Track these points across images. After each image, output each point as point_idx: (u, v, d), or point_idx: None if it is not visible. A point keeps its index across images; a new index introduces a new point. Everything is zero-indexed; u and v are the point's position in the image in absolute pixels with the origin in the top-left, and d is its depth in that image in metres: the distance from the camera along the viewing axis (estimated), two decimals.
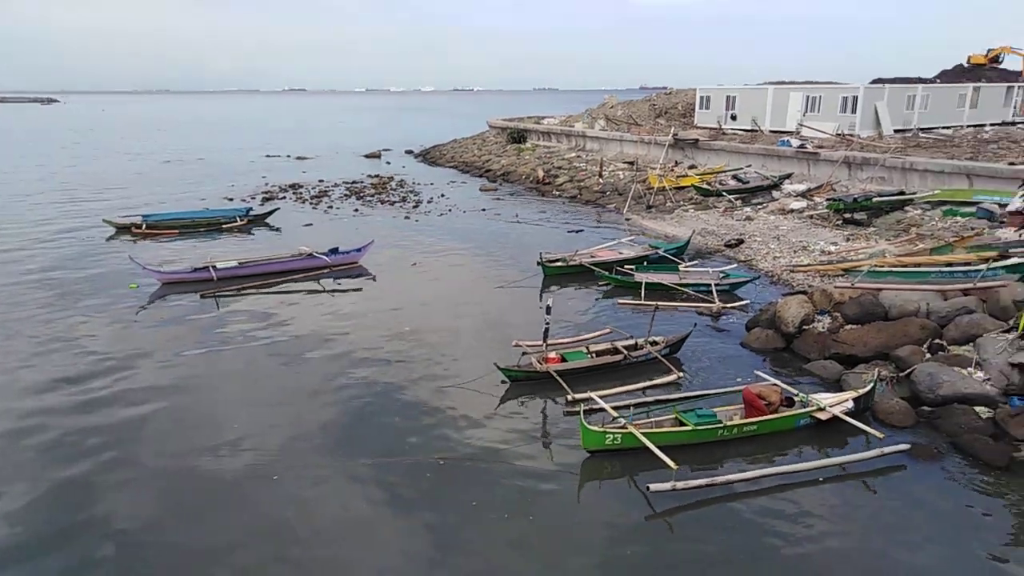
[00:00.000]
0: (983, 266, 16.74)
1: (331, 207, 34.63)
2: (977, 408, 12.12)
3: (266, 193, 38.51)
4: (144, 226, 28.35)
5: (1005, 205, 22.07)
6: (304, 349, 16.17)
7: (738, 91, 46.32)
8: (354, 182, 42.33)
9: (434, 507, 10.23)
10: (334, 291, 21.19)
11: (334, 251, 23.42)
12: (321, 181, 42.62)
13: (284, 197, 37.38)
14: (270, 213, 31.83)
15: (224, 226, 29.48)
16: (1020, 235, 18.57)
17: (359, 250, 23.90)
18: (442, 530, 9.72)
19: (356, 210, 33.71)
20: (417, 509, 10.20)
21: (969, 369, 13.00)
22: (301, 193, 38.58)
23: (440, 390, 13.98)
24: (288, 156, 58.08)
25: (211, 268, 21.56)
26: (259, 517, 10.03)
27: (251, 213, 31.02)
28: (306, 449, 11.82)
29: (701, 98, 48.39)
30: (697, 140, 39.52)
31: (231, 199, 36.33)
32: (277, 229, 29.70)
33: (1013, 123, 47.44)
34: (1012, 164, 26.19)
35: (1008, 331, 13.50)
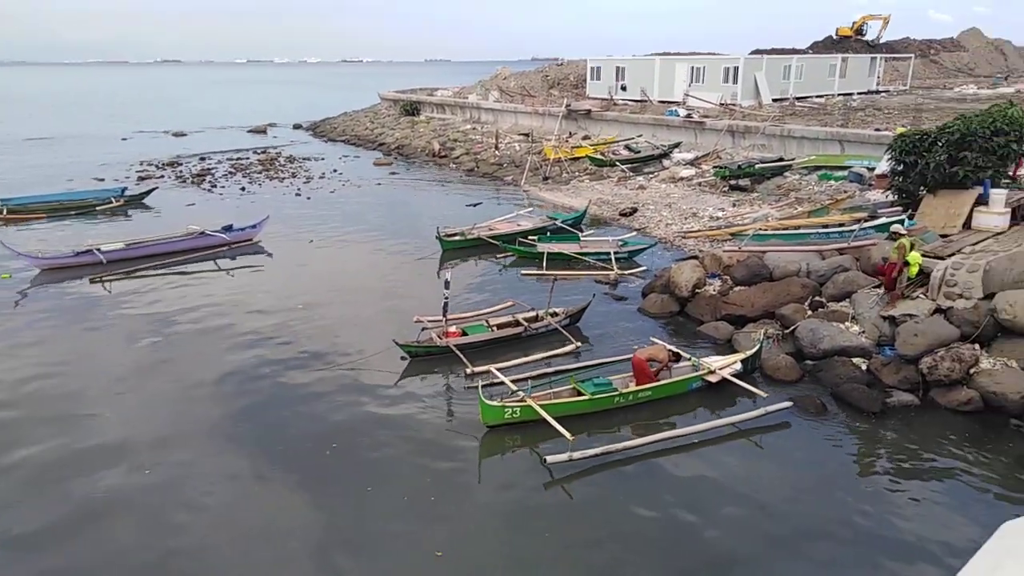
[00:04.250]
0: (855, 226, 17.86)
1: (215, 185, 32.84)
2: (854, 359, 12.97)
3: (141, 172, 36.09)
4: (5, 211, 25.96)
5: (873, 169, 23.61)
6: (199, 331, 15.53)
7: (627, 62, 47.11)
8: (239, 159, 40.31)
9: (327, 495, 9.90)
10: (231, 270, 20.40)
11: (228, 228, 22.46)
12: (202, 159, 40.32)
13: (162, 176, 35.15)
14: (147, 193, 29.87)
15: (98, 208, 27.54)
16: (887, 196, 19.92)
17: (254, 226, 23.03)
18: (336, 520, 9.41)
19: (243, 188, 32.13)
20: (309, 499, 9.85)
21: (846, 324, 13.88)
22: (180, 171, 36.38)
23: (338, 369, 13.62)
24: (164, 132, 54.58)
25: (96, 251, 20.34)
26: (130, 514, 9.48)
27: (126, 193, 29.05)
28: (187, 438, 11.27)
29: (592, 69, 48.91)
30: (590, 111, 40.02)
31: (102, 179, 33.80)
32: (156, 210, 27.93)
33: (877, 91, 50.74)
34: (878, 130, 27.99)
35: (878, 286, 14.47)
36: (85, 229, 24.53)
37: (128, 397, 12.65)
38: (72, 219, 26.15)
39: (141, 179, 34.21)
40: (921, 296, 13.74)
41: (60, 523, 9.33)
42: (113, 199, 28.14)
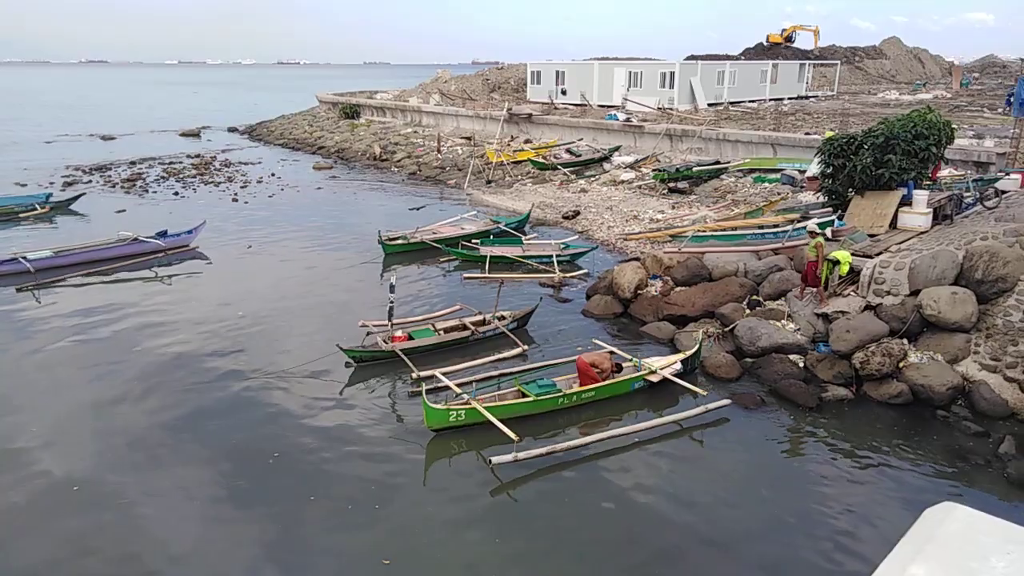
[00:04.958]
0: (789, 227, 18.46)
1: (147, 191, 31.75)
2: (791, 356, 13.39)
3: (68, 177, 34.60)
4: None
5: (804, 171, 24.45)
6: (133, 340, 14.99)
7: (567, 66, 47.65)
8: (172, 163, 39.07)
9: (270, 505, 9.67)
10: (168, 277, 19.79)
11: (163, 234, 21.77)
12: (133, 163, 38.92)
13: (90, 181, 33.78)
14: (75, 199, 28.67)
15: (21, 215, 26.31)
16: (817, 198, 20.66)
17: (191, 232, 22.40)
18: (280, 530, 9.19)
19: (177, 193, 31.15)
20: (251, 509, 9.62)
21: (783, 321, 14.32)
22: (110, 176, 35.05)
23: (281, 376, 13.34)
24: (91, 135, 52.48)
25: (22, 259, 19.54)
26: (58, 529, 9.08)
27: (52, 199, 27.83)
28: (123, 451, 10.88)
29: (532, 73, 49.28)
30: (531, 115, 40.27)
31: (25, 185, 32.27)
32: (85, 216, 26.85)
33: (806, 97, 52.61)
34: (808, 134, 29.03)
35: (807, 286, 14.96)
36: (8, 237, 23.38)
37: (62, 409, 12.09)
38: None
39: (67, 184, 32.78)
40: (852, 294, 14.29)
41: None
42: (37, 205, 26.93)
